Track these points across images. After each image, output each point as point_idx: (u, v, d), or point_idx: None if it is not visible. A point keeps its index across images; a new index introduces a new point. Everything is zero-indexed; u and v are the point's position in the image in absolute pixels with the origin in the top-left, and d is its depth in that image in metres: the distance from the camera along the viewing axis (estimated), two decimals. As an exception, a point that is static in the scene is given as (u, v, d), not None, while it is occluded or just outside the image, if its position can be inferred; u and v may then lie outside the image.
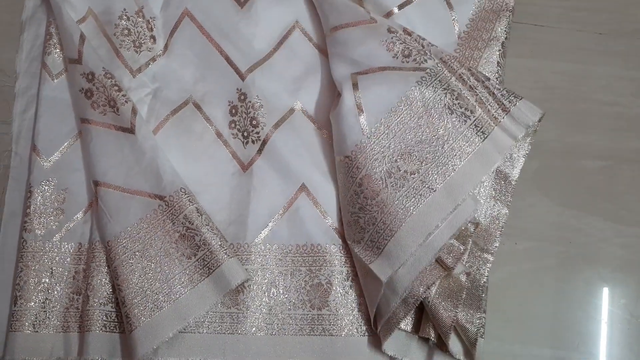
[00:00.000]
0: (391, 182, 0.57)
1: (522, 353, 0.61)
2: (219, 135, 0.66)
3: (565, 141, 0.67)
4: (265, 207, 0.63)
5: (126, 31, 0.67)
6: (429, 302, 0.56)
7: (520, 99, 0.57)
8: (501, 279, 0.62)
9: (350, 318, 0.61)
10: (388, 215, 0.56)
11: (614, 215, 0.64)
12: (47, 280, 0.62)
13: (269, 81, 0.66)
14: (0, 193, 0.65)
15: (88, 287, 0.60)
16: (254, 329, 0.60)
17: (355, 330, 0.60)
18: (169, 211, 0.60)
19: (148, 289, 0.58)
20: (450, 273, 0.56)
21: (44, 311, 0.61)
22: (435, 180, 0.56)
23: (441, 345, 0.58)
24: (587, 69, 0.69)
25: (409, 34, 0.61)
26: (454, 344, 0.58)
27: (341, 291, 0.61)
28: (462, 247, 0.57)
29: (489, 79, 0.59)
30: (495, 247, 0.60)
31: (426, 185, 0.56)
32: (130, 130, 0.62)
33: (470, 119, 0.57)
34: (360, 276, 0.60)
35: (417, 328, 0.59)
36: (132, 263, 0.59)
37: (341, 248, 0.62)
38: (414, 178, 0.56)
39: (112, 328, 0.60)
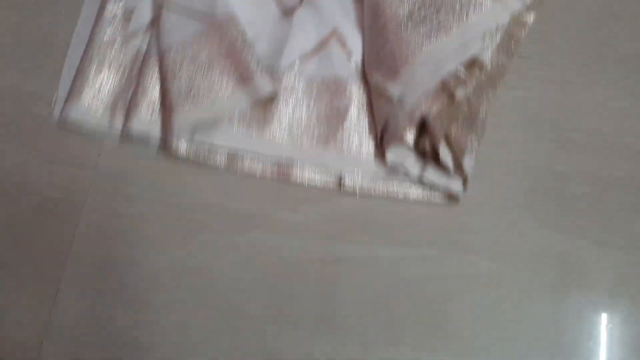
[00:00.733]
0: (411, 24, 0.67)
1: (512, 374, 0.64)
2: None
3: (553, 167, 0.70)
4: (299, 46, 0.74)
5: None
6: (429, 118, 0.64)
7: None
8: (491, 301, 0.64)
9: (360, 139, 0.70)
10: (406, 48, 0.66)
11: (601, 239, 0.67)
12: (106, 70, 0.72)
13: None
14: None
15: (139, 81, 0.71)
16: (277, 134, 0.70)
17: (363, 149, 0.70)
18: (219, 32, 0.70)
19: (192, 87, 0.68)
20: (453, 96, 0.65)
21: (99, 94, 0.72)
22: (451, 22, 0.66)
23: (435, 158, 0.66)
24: (572, 98, 0.72)
25: None
26: (446, 156, 0.65)
27: (355, 119, 0.71)
28: (466, 75, 0.66)
29: None
30: (496, 88, 0.69)
31: (442, 27, 0.66)
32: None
33: None
34: (373, 100, 0.70)
35: (417, 146, 0.67)
36: (181, 66, 0.69)
37: (360, 87, 0.72)
38: (432, 20, 0.66)
39: (154, 116, 0.70)
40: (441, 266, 0.66)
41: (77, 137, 0.71)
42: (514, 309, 0.65)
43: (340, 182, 0.69)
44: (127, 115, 0.70)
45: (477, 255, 0.67)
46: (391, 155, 0.67)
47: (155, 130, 0.70)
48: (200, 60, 0.69)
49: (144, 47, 0.73)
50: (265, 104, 0.71)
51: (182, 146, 0.69)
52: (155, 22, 0.73)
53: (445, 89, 0.66)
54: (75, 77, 0.72)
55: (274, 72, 0.72)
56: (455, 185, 0.67)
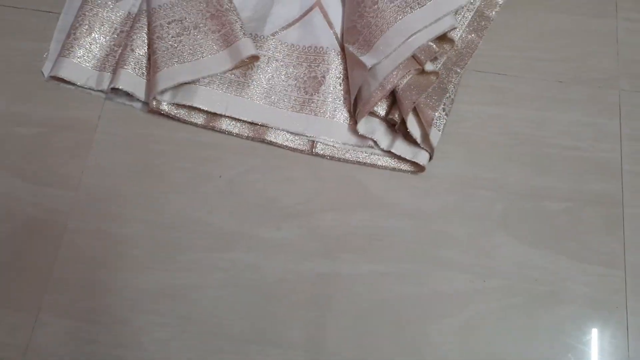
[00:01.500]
0: None
1: (491, 389, 0.64)
2: None
3: (530, 184, 0.70)
4: (283, 14, 0.77)
5: None
6: (399, 89, 0.68)
7: None
8: (470, 317, 0.65)
9: (335, 105, 0.73)
10: (381, 19, 0.69)
11: (578, 254, 0.68)
12: (97, 30, 0.75)
13: None
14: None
15: (128, 40, 0.74)
16: (255, 96, 0.73)
17: (337, 115, 0.73)
18: None
19: (178, 47, 0.71)
20: (423, 68, 0.69)
21: (89, 52, 0.75)
22: None
23: (404, 131, 0.69)
24: (549, 116, 0.73)
25: None
26: (414, 128, 0.68)
27: (332, 85, 0.74)
28: (436, 49, 0.69)
29: None
30: (465, 64, 0.73)
31: (416, 2, 0.68)
32: None
33: None
34: (349, 70, 0.73)
35: (387, 117, 0.70)
36: (169, 27, 0.72)
37: (339, 54, 0.75)
38: None
39: (140, 73, 0.73)
40: (420, 284, 0.67)
41: (62, 155, 0.72)
42: (493, 324, 0.66)
43: (312, 147, 0.72)
44: (115, 72, 0.73)
45: (456, 271, 0.67)
46: (362, 126, 0.70)
47: (141, 88, 0.73)
48: (187, 21, 0.73)
49: (135, 9, 0.77)
50: (246, 68, 0.74)
51: (164, 104, 0.72)
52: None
53: (416, 63, 0.69)
54: (67, 35, 0.76)
55: (257, 38, 0.75)
56: (422, 157, 0.70)
